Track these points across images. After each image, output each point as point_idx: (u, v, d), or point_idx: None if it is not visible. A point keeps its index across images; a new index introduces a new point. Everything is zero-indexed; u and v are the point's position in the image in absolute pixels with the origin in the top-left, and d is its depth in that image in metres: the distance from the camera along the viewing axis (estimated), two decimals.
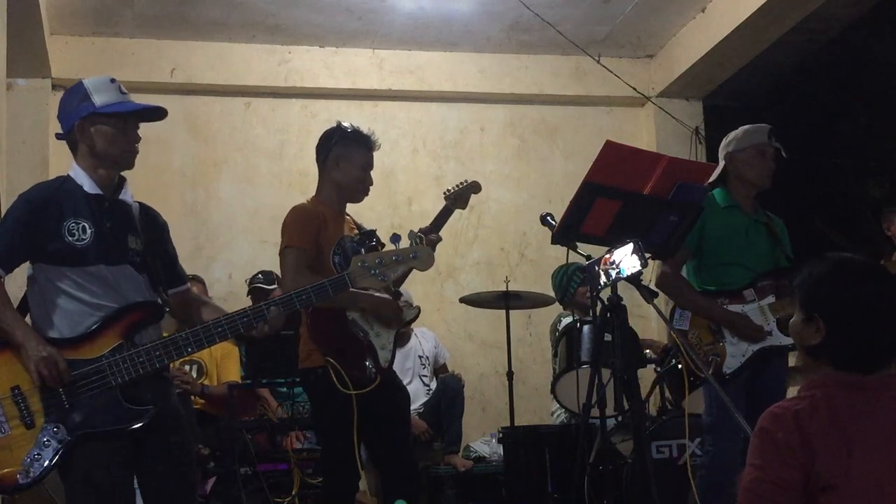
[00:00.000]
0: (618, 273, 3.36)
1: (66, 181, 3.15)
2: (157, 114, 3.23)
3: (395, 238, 3.27)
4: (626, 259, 3.32)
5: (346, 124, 4.07)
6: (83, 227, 3.05)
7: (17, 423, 2.94)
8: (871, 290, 2.20)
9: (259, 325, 3.11)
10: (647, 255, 3.63)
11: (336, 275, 3.38)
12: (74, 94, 3.15)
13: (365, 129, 4.05)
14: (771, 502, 2.11)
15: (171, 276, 3.32)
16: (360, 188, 4.01)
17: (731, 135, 4.28)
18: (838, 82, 8.35)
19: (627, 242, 3.35)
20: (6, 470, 2.92)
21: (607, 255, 3.39)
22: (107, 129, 3.11)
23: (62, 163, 6.45)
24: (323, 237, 3.85)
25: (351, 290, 3.61)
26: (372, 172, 4.06)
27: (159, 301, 3.18)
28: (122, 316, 3.05)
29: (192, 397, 5.56)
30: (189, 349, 3.04)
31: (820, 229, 8.23)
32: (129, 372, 2.98)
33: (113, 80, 3.17)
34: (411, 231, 3.35)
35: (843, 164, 8.58)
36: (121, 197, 3.17)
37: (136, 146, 3.18)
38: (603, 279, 3.40)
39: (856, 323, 2.18)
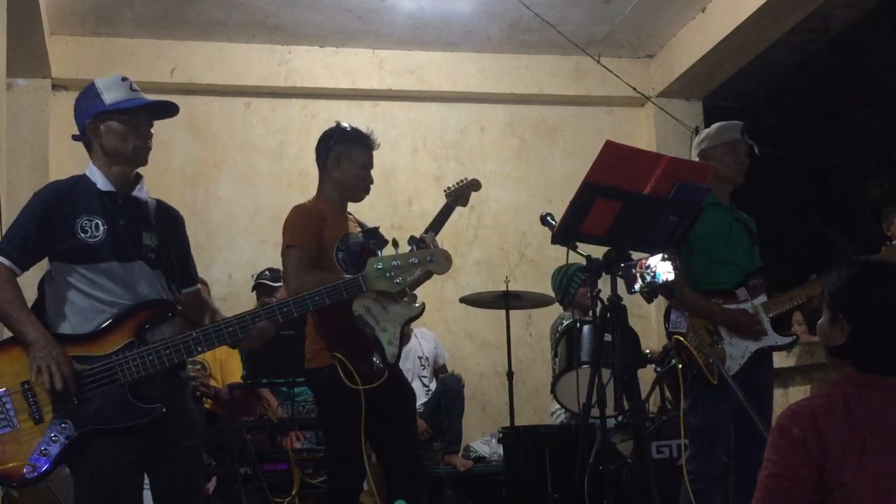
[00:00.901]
0: (653, 278, 3.39)
1: (80, 179, 3.17)
2: (168, 110, 3.25)
3: (414, 241, 3.29)
4: (660, 265, 3.36)
5: (344, 124, 4.09)
6: (96, 223, 3.07)
7: (25, 418, 2.96)
8: (893, 293, 2.24)
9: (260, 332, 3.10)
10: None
11: (349, 275, 3.39)
12: (86, 94, 3.18)
13: (364, 129, 4.06)
14: (786, 497, 2.14)
15: (184, 275, 3.33)
16: (360, 187, 4.02)
17: (704, 132, 4.30)
18: (838, 82, 8.35)
19: (659, 252, 3.41)
20: (13, 463, 2.94)
21: (643, 260, 3.42)
22: (117, 125, 3.14)
23: (62, 163, 6.49)
24: (325, 235, 3.85)
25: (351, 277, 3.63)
26: (372, 172, 4.06)
27: (173, 299, 3.18)
28: (134, 313, 3.06)
29: (204, 399, 5.57)
30: (199, 348, 3.05)
31: (820, 229, 8.24)
32: (138, 370, 2.99)
33: (124, 79, 3.19)
34: (431, 234, 3.38)
35: (843, 164, 8.59)
36: (135, 194, 3.19)
37: (149, 143, 3.21)
38: (639, 283, 3.43)
39: (877, 324, 2.23)
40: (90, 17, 6.44)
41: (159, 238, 3.18)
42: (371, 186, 4.06)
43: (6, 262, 3.03)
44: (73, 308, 3.06)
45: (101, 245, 3.05)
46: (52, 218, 3.06)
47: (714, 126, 4.31)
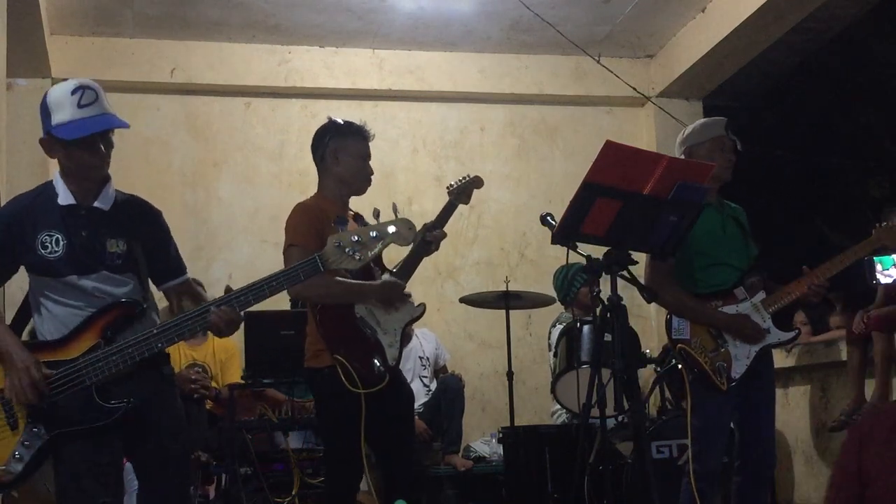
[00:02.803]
0: None
1: (45, 189, 3.17)
2: (118, 126, 3.12)
3: (377, 213, 3.18)
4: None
5: (337, 119, 4.09)
6: (56, 238, 3.08)
7: (2, 424, 3.01)
8: None
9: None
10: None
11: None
12: (42, 106, 3.10)
13: (357, 121, 4.05)
14: (835, 489, 2.30)
15: (165, 268, 3.31)
16: (361, 178, 4.00)
17: (688, 129, 4.22)
18: (838, 82, 8.36)
19: None
20: None
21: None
22: (64, 147, 3.08)
23: None
24: (328, 233, 3.83)
25: (356, 282, 3.61)
26: (373, 174, 4.05)
27: (139, 299, 3.17)
28: (99, 316, 3.08)
29: (205, 400, 5.57)
30: (159, 344, 3.04)
31: (820, 229, 8.25)
32: (102, 371, 3.01)
33: (76, 90, 3.05)
34: (394, 204, 3.25)
35: (843, 164, 8.59)
36: (96, 204, 3.14)
37: (100, 159, 3.10)
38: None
39: None
40: (90, 17, 6.44)
41: (127, 242, 3.16)
42: (372, 178, 4.04)
43: None
44: (49, 314, 3.12)
45: (59, 260, 3.07)
46: (13, 236, 3.08)
47: (698, 123, 4.25)
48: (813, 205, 8.65)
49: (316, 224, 3.83)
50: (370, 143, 4.05)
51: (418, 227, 3.73)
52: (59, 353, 3.04)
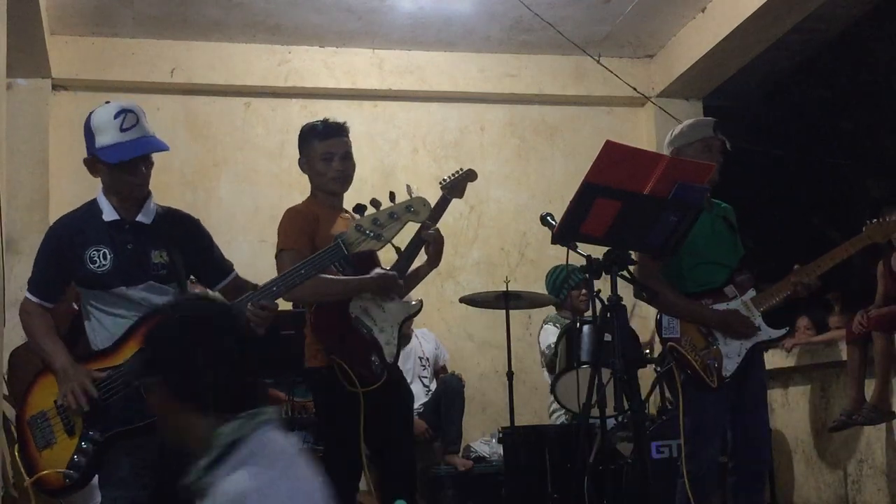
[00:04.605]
0: None
1: (91, 207, 3.34)
2: (158, 149, 3.34)
3: (392, 196, 3.25)
4: None
5: (305, 125, 4.11)
6: (104, 253, 3.26)
7: (60, 431, 3.20)
8: None
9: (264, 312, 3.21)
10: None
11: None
12: (85, 127, 3.29)
13: (319, 120, 4.07)
14: None
15: (213, 271, 3.51)
16: (326, 179, 3.98)
17: (676, 130, 4.20)
18: (838, 82, 8.35)
19: None
20: (54, 475, 3.17)
21: None
22: (106, 168, 3.26)
23: (62, 163, 6.49)
24: (319, 236, 3.84)
25: (350, 277, 3.64)
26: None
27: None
28: (143, 323, 3.21)
29: None
30: None
31: (819, 229, 8.25)
32: None
33: (118, 114, 3.23)
34: (408, 185, 3.33)
35: (842, 163, 8.60)
36: (139, 218, 3.32)
37: (142, 178, 3.31)
38: None
39: None
40: (90, 17, 6.44)
41: (170, 252, 3.33)
42: (341, 173, 3.98)
43: (34, 298, 3.32)
44: (98, 325, 3.29)
45: (108, 273, 3.25)
46: (64, 252, 3.28)
47: (685, 123, 4.23)
48: (812, 204, 8.65)
49: (306, 228, 3.85)
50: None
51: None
52: (107, 360, 3.22)
